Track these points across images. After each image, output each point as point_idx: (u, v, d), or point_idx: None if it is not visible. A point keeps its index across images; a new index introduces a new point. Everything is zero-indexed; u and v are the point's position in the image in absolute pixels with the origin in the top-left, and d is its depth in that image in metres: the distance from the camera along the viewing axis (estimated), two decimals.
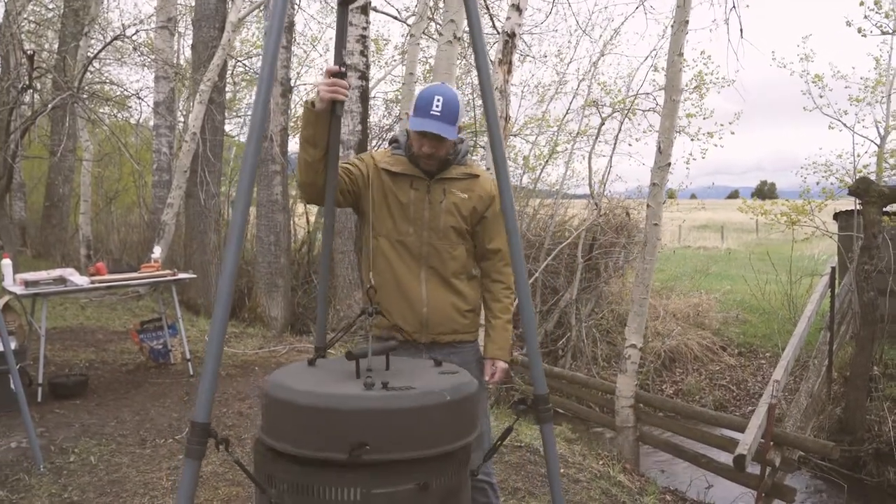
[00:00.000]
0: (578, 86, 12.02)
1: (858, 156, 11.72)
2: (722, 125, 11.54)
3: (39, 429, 4.13)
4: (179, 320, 5.72)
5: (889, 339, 7.85)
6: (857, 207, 7.77)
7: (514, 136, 12.53)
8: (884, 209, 7.13)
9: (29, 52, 8.92)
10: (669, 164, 5.95)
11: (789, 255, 11.19)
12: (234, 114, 15.82)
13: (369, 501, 1.48)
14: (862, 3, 10.42)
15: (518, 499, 3.75)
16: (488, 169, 4.36)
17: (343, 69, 2.11)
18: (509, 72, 5.45)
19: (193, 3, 10.78)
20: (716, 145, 11.65)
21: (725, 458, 5.37)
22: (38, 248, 13.44)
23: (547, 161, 12.71)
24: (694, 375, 9.69)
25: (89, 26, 11.44)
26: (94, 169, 14.05)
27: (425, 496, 1.51)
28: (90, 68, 10.26)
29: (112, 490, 3.45)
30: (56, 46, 12.55)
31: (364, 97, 8.19)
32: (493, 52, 5.56)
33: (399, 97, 11.35)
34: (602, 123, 11.54)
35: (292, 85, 10.24)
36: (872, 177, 10.15)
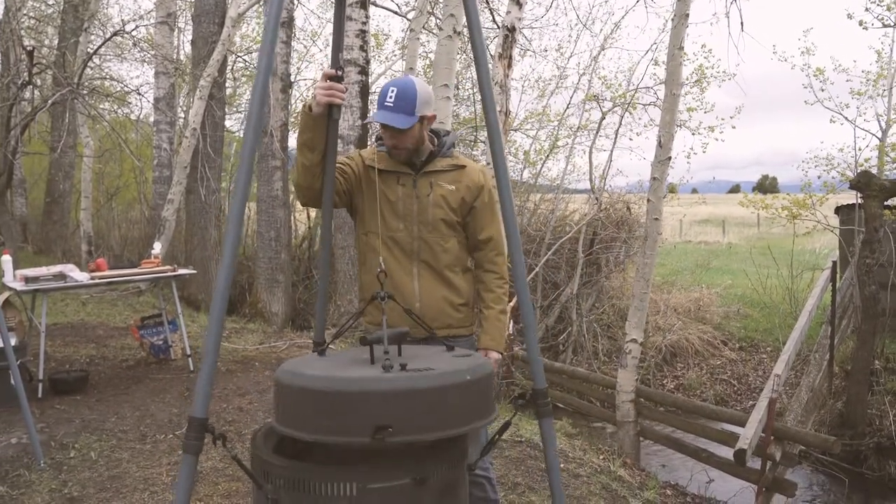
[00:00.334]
0: (579, 80, 12.02)
1: (860, 149, 11.75)
2: (723, 119, 11.57)
3: (40, 424, 4.13)
4: (180, 316, 5.72)
5: (890, 333, 7.85)
6: (859, 201, 7.77)
7: (515, 130, 12.49)
8: (885, 203, 7.13)
9: (29, 48, 8.93)
10: (670, 159, 5.93)
11: (790, 250, 11.17)
12: (235, 109, 15.81)
13: (365, 496, 1.46)
14: None
15: (518, 493, 3.75)
16: (488, 164, 4.35)
17: (340, 72, 2.11)
18: (509, 66, 5.43)
19: None
20: (717, 139, 11.68)
21: (726, 452, 5.36)
22: (39, 244, 13.44)
23: (547, 156, 12.68)
24: (695, 370, 9.67)
25: (89, 22, 11.43)
26: (95, 165, 14.04)
27: (422, 491, 1.50)
28: (90, 64, 10.26)
29: (112, 486, 3.46)
30: (56, 42, 12.55)
31: (364, 92, 8.17)
32: (494, 47, 5.55)
33: None
34: (603, 118, 11.53)
35: (292, 80, 10.22)
36: (874, 170, 10.13)
